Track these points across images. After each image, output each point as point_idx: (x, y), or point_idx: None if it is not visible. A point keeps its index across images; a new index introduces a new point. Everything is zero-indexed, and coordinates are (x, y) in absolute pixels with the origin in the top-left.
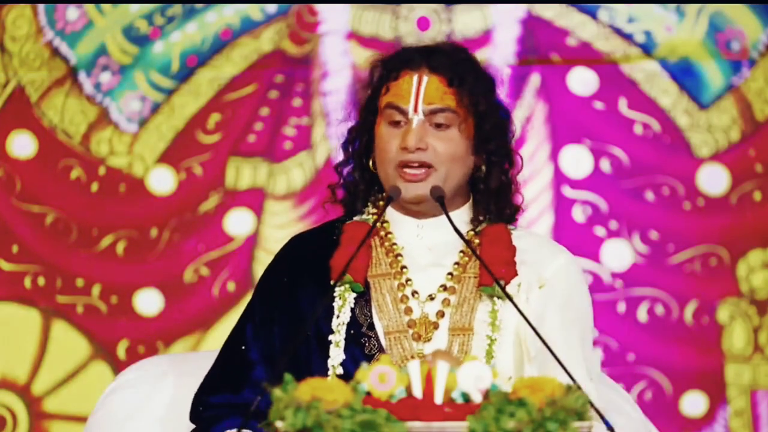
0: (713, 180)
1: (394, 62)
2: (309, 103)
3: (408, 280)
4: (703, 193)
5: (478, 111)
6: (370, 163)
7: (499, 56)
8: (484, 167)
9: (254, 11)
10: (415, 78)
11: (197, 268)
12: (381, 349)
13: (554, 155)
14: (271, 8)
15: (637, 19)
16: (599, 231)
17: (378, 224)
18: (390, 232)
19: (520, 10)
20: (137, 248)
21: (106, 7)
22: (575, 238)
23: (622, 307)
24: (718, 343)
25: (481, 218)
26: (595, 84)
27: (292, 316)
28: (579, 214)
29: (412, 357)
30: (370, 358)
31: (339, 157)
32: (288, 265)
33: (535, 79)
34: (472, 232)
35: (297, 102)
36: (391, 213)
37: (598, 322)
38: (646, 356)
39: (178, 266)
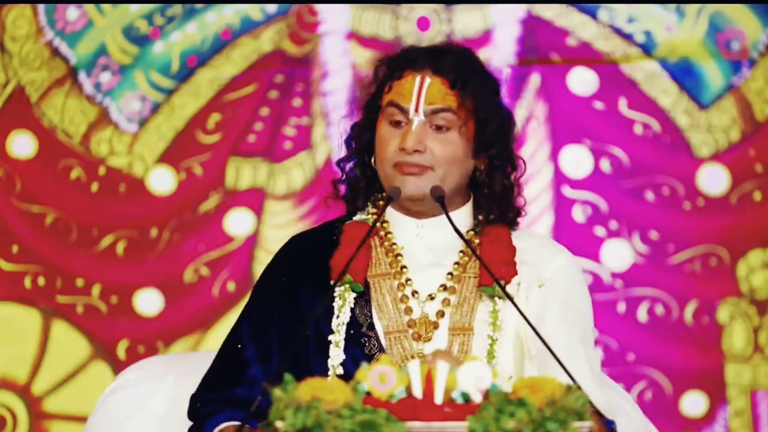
0: (713, 180)
1: (399, 61)
2: (309, 103)
3: (408, 279)
4: (703, 193)
5: (480, 114)
6: (372, 160)
7: (499, 56)
8: (484, 169)
9: (254, 11)
10: (418, 78)
11: (197, 268)
12: (381, 349)
13: (554, 155)
14: (271, 8)
15: (637, 19)
16: (599, 231)
17: (378, 224)
18: (390, 232)
19: (520, 10)
20: (137, 248)
21: (106, 7)
22: (575, 238)
23: (622, 307)
24: (718, 343)
25: (481, 218)
26: (595, 84)
27: (291, 316)
28: (579, 214)
29: (412, 357)
30: (370, 358)
31: (341, 153)
32: (288, 265)
33: (535, 79)
34: (472, 232)
35: (297, 102)
36: (390, 213)
37: (598, 322)
38: (646, 356)
39: (178, 266)
